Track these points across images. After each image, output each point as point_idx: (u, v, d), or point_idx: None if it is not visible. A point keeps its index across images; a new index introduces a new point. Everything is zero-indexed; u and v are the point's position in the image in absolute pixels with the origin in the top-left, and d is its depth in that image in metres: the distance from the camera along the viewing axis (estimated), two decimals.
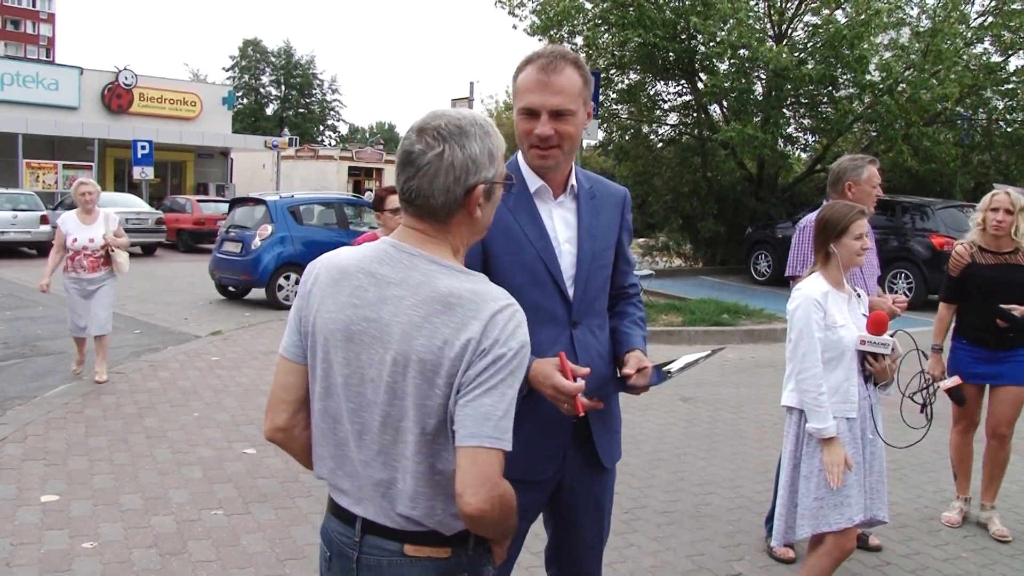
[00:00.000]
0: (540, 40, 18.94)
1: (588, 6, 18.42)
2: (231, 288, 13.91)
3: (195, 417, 6.66)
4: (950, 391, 4.62)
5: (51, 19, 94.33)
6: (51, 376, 8.10)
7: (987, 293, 4.60)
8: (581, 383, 2.10)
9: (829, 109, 18.38)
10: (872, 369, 3.38)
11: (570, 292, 2.37)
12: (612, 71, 19.53)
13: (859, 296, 3.54)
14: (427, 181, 1.67)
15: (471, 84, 13.61)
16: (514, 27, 19.26)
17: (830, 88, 17.78)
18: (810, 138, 20.56)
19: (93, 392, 7.31)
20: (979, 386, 4.80)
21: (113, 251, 7.69)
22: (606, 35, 18.74)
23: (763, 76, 18.05)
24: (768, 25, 19.08)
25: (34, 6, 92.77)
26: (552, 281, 2.35)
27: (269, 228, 13.11)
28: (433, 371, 1.61)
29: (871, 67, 16.80)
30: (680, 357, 2.42)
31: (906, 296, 4.96)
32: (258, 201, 14.09)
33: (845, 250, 3.38)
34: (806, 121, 19.71)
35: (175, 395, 7.31)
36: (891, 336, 3.34)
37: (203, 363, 8.65)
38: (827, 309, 3.32)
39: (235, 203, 15.22)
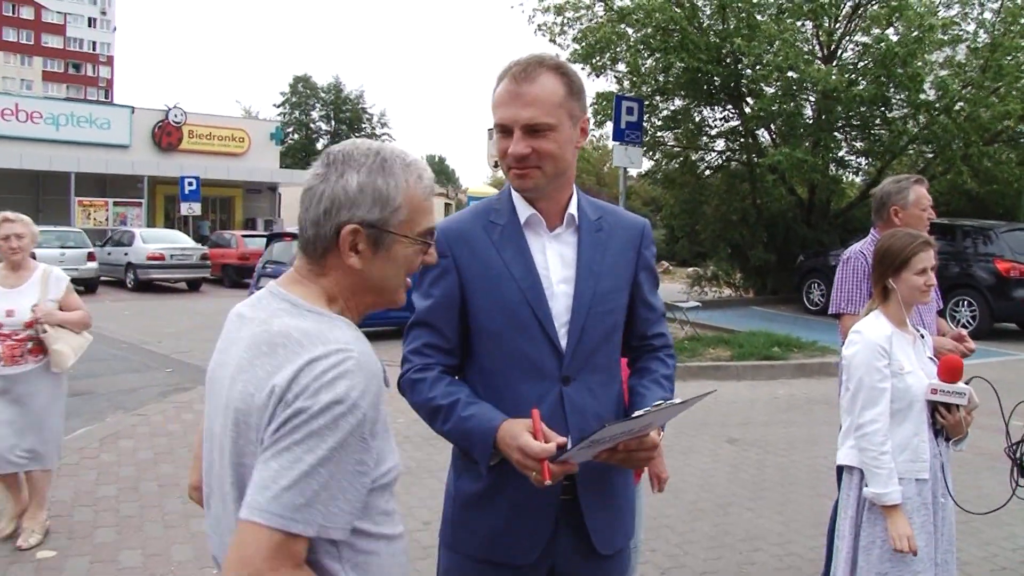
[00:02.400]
0: (583, 69, 18.64)
1: (630, 32, 18.08)
2: None
3: None
4: None
5: (110, 61, 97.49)
6: (74, 418, 7.80)
7: None
8: (552, 446, 1.75)
9: (882, 130, 17.73)
10: (944, 422, 2.89)
11: (562, 342, 1.98)
12: (656, 97, 19.13)
13: (923, 337, 3.06)
14: (304, 209, 1.48)
15: None
16: (556, 56, 19.02)
17: (883, 109, 17.13)
18: (863, 161, 19.87)
19: (112, 436, 7.06)
20: None
21: (45, 332, 4.64)
22: (649, 61, 18.38)
23: (812, 98, 17.50)
24: (816, 46, 18.55)
25: (94, 50, 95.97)
26: (539, 327, 1.96)
27: None
28: (245, 422, 1.36)
29: (926, 85, 16.16)
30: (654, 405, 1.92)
31: (968, 325, 4.35)
32: (295, 236, 13.90)
33: (906, 286, 2.92)
34: (858, 144, 19.06)
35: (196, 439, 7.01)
36: (966, 384, 2.85)
37: None
38: (892, 354, 2.86)
39: (272, 238, 15.14)
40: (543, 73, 1.94)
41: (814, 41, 18.56)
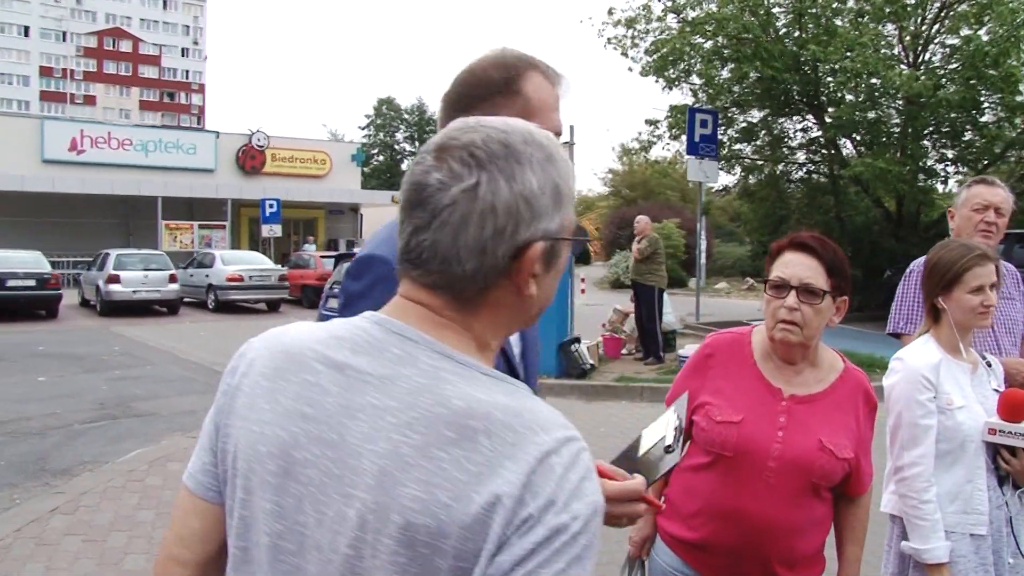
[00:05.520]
0: (657, 81, 18.29)
1: (702, 41, 17.64)
2: None
3: None
4: None
5: (201, 89, 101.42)
6: (130, 439, 7.88)
7: None
8: (638, 480, 1.39)
9: (974, 136, 16.78)
10: (1009, 468, 2.44)
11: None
12: (733, 109, 18.62)
13: (989, 365, 2.61)
14: (448, 234, 0.99)
15: (571, 128, 12.56)
16: (629, 69, 18.80)
17: (973, 113, 16.21)
18: (954, 170, 18.88)
19: (162, 459, 7.00)
20: None
21: None
22: (724, 71, 17.90)
23: (897, 105, 16.70)
24: (900, 50, 17.74)
25: (187, 78, 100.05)
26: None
27: None
28: (430, 546, 0.91)
29: (1022, 86, 15.24)
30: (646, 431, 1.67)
31: None
32: None
33: (957, 307, 2.47)
34: (949, 152, 18.09)
35: None
36: None
37: None
38: (939, 385, 2.43)
39: (340, 259, 15.18)
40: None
41: (898, 45, 17.76)
